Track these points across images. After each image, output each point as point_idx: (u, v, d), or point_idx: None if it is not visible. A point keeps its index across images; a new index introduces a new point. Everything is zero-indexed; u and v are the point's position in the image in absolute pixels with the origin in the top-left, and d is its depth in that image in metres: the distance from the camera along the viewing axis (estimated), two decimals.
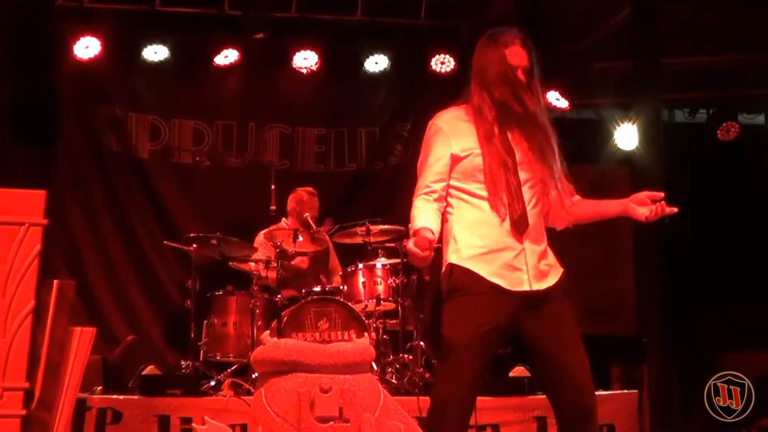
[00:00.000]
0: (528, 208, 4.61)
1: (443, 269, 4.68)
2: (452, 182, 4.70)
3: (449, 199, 4.72)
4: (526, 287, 4.53)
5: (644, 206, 4.59)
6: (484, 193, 4.61)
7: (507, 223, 4.57)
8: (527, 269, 4.55)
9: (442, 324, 4.61)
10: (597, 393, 4.68)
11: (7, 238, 4.42)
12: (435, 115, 4.83)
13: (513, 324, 4.54)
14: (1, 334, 4.41)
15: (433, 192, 4.66)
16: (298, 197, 9.50)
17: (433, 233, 4.51)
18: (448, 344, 4.55)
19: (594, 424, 4.53)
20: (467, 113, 4.74)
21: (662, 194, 4.58)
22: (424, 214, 4.61)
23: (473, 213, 4.63)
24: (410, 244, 4.46)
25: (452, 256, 4.62)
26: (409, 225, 4.63)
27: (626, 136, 10.20)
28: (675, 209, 4.57)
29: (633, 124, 10.07)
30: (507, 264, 4.54)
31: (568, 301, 4.63)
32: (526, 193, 4.63)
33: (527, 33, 4.78)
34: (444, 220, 4.70)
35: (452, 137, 4.68)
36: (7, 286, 4.41)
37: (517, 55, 4.70)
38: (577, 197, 4.85)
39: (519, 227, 4.57)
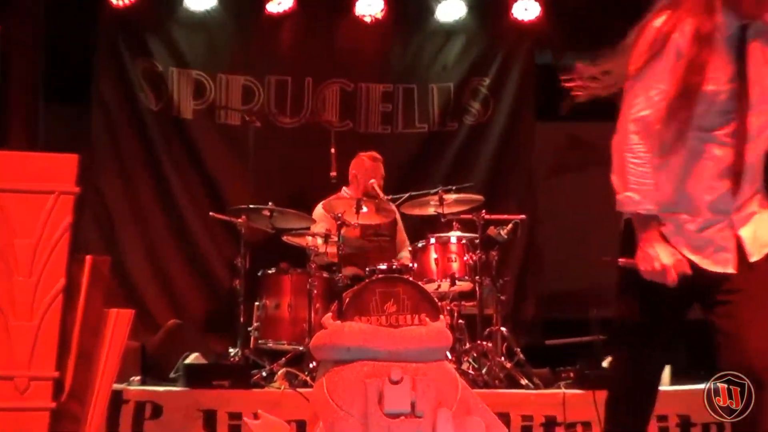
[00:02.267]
0: (749, 165, 4.12)
1: (622, 225, 4.30)
2: None
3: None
4: (730, 269, 4.13)
5: None
6: (706, 141, 4.11)
7: (721, 184, 4.12)
8: (733, 247, 4.12)
9: (619, 299, 4.38)
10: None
11: (34, 208, 4.42)
12: (657, 12, 4.17)
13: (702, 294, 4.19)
14: (27, 317, 4.41)
15: (651, 124, 4.06)
16: (359, 163, 9.45)
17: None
18: (619, 321, 4.40)
19: None
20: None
21: None
22: (649, 183, 4.09)
23: (682, 164, 4.14)
24: (668, 263, 4.02)
25: None
26: (619, 179, 4.14)
27: None
28: None
29: None
30: (710, 239, 4.15)
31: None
32: (757, 145, 4.13)
33: None
34: None
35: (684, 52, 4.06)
36: (35, 262, 4.41)
37: None
38: None
39: (733, 190, 4.11)
